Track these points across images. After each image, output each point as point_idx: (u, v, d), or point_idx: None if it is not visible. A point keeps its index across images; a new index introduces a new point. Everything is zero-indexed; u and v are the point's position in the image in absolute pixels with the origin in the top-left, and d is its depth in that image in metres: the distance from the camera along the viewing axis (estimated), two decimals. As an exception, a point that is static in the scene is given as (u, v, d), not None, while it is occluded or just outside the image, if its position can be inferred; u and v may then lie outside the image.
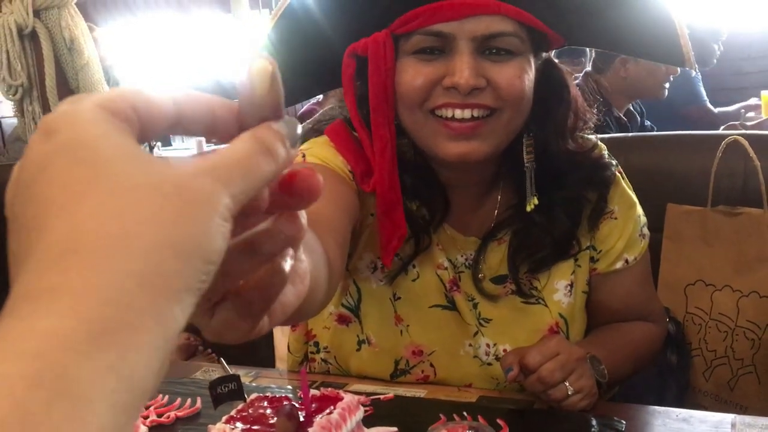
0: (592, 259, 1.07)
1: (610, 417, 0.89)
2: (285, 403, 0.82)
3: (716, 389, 1.45)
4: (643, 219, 1.10)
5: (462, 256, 1.05)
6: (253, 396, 0.85)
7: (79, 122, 0.28)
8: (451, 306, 1.05)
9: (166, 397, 1.01)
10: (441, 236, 1.05)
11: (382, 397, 0.99)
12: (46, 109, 2.33)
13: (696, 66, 0.95)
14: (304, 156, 0.98)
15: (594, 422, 0.87)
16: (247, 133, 0.32)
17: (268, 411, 0.82)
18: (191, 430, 0.92)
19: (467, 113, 0.91)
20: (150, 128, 0.31)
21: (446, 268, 1.04)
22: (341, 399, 0.83)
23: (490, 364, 1.04)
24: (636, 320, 1.10)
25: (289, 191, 0.36)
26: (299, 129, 0.35)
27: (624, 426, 0.86)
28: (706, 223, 1.43)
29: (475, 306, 1.05)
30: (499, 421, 0.87)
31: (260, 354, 1.44)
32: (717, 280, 1.43)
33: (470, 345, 1.05)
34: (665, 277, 1.50)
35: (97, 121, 0.28)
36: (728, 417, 0.89)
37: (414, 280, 1.04)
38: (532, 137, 0.99)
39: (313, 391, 0.85)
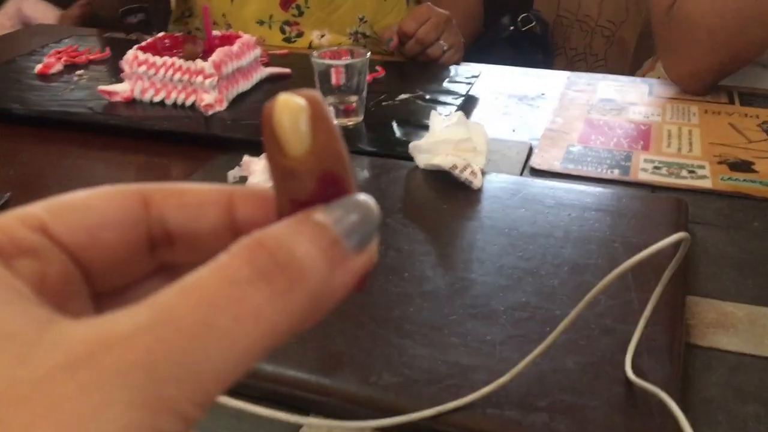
0: None
1: (467, 69, 1.06)
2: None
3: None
4: None
5: None
6: (161, 34, 0.95)
7: None
8: None
9: (76, 45, 1.09)
10: None
11: (278, 52, 1.12)
12: None
13: None
14: None
15: (454, 68, 1.04)
16: (242, 240, 0.17)
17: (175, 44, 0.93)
18: (100, 71, 1.03)
19: None
20: (99, 257, 0.19)
21: None
22: (240, 37, 0.95)
23: None
24: None
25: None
26: (375, 213, 0.18)
27: (479, 75, 1.03)
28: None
29: None
30: (377, 67, 1.03)
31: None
32: (587, -16, 1.58)
33: None
34: (543, -20, 1.63)
35: None
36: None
37: None
38: None
39: (214, 32, 0.96)
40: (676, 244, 0.43)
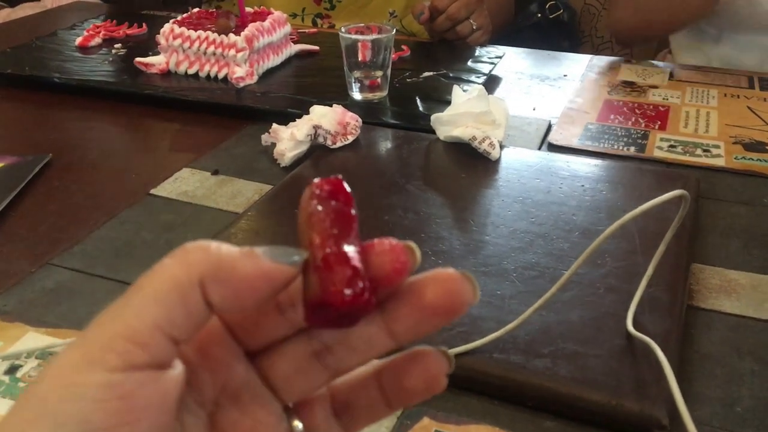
0: None
1: (492, 50, 1.08)
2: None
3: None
4: None
5: None
6: (196, 10, 0.99)
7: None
8: None
9: (114, 20, 1.14)
10: None
11: (307, 31, 1.15)
12: None
13: None
14: None
15: (479, 49, 1.06)
16: None
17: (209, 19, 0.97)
18: (137, 45, 1.07)
19: None
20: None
21: None
22: (272, 13, 0.98)
23: None
24: None
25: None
26: (291, 250, 0.23)
27: (503, 56, 1.06)
28: None
29: None
30: (403, 46, 1.05)
31: None
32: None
33: None
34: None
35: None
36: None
37: None
38: None
39: (247, 9, 0.99)
40: (678, 207, 0.46)
